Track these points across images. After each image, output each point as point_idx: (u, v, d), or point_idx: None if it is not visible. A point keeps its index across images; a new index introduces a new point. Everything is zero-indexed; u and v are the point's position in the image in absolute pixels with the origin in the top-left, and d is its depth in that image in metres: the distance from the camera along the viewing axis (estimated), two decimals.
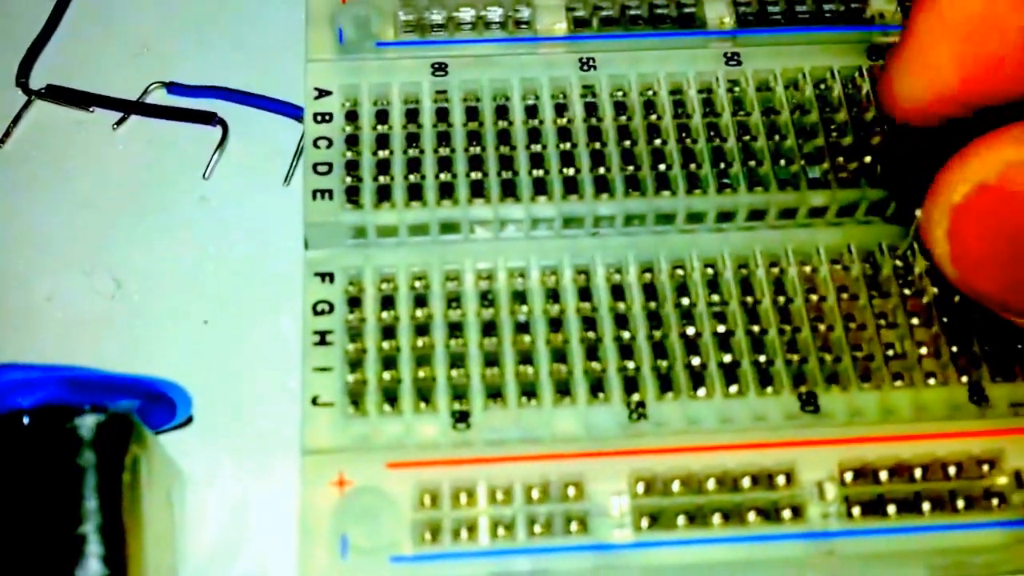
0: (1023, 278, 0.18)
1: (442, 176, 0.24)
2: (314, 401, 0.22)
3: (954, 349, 0.23)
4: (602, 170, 0.24)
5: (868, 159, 0.25)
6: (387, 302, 0.23)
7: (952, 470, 0.22)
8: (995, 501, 0.22)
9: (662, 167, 0.24)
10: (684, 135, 0.25)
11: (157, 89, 0.29)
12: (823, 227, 0.25)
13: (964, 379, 0.23)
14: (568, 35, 0.27)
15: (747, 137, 0.25)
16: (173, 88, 0.29)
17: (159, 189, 0.28)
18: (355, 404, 0.22)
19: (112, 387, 0.22)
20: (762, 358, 0.23)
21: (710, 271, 0.24)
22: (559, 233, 0.24)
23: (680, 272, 0.24)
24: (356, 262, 0.24)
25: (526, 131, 0.25)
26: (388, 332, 0.23)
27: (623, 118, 0.25)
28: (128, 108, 0.29)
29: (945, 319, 0.23)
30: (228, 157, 0.28)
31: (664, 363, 0.23)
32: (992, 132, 0.18)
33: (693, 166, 0.25)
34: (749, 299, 0.24)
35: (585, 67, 0.26)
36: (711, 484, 0.22)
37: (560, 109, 0.25)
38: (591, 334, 0.23)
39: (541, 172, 0.24)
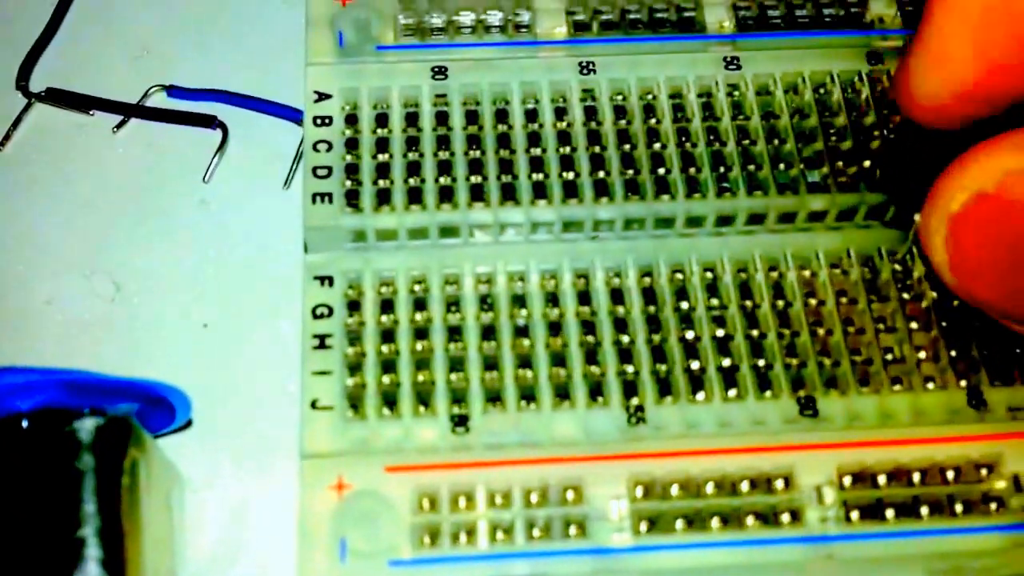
0: (1022, 286, 0.18)
1: (442, 180, 0.24)
2: (313, 405, 0.22)
3: (953, 353, 0.23)
4: (602, 174, 0.24)
5: (867, 163, 0.25)
6: (387, 306, 0.23)
7: (951, 474, 0.22)
8: (993, 505, 0.22)
9: (661, 171, 0.24)
10: (684, 139, 0.25)
11: (157, 92, 0.29)
12: (822, 231, 0.25)
13: (963, 383, 0.23)
14: (568, 39, 0.27)
15: (746, 141, 0.25)
16: (173, 91, 0.29)
17: (159, 192, 0.28)
18: (354, 408, 0.22)
19: (111, 390, 0.22)
20: (761, 362, 0.23)
21: (709, 275, 0.24)
22: (558, 237, 0.24)
23: (679, 276, 0.24)
24: (356, 266, 0.24)
25: (526, 135, 0.25)
26: (387, 336, 0.23)
27: (623, 122, 0.25)
28: (128, 111, 0.29)
29: (944, 323, 0.23)
30: (228, 160, 0.28)
31: (663, 367, 0.23)
32: (990, 139, 0.18)
33: (692, 170, 0.25)
34: (748, 303, 0.24)
35: (585, 71, 0.26)
36: (710, 488, 0.22)
37: (560, 113, 0.25)
38: (590, 338, 0.23)
39: (541, 176, 0.24)
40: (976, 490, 0.22)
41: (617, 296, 0.24)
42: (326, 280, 0.24)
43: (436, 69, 0.26)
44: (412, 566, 0.21)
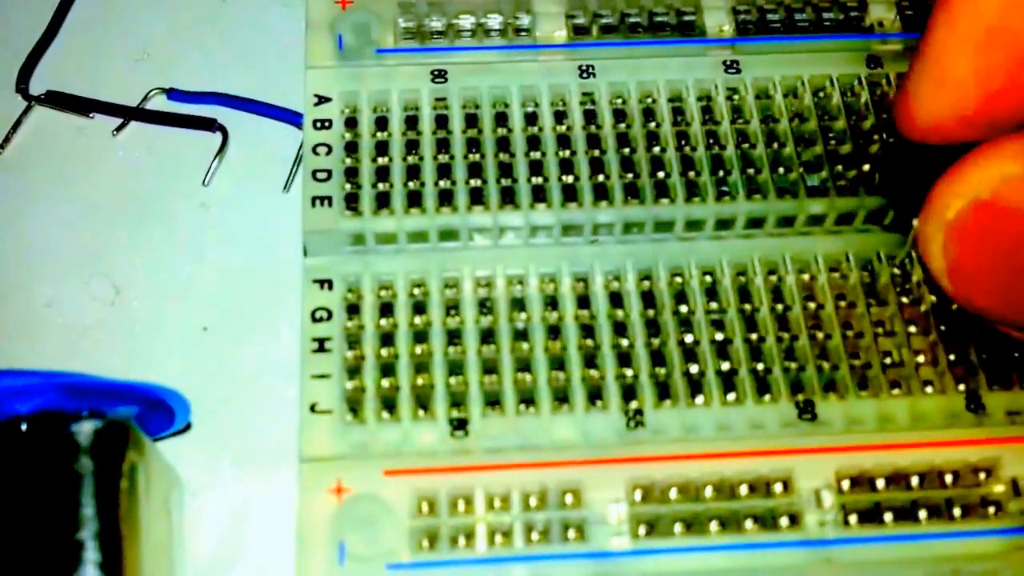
0: (1019, 292, 0.18)
1: (441, 183, 0.24)
2: (312, 408, 0.22)
3: (951, 357, 0.23)
4: (601, 177, 0.24)
5: (867, 167, 0.25)
6: (386, 309, 0.23)
7: (949, 478, 0.22)
8: (992, 509, 0.22)
9: (661, 175, 0.24)
10: (683, 143, 0.25)
11: (157, 95, 0.29)
12: (821, 235, 0.25)
13: (961, 387, 0.23)
14: (568, 43, 0.27)
15: (746, 145, 0.25)
16: (173, 94, 0.29)
17: (159, 195, 0.28)
18: (353, 411, 0.22)
19: (110, 394, 0.22)
20: (760, 366, 0.23)
21: (708, 279, 0.24)
22: (558, 240, 0.24)
23: (678, 280, 0.24)
24: (355, 269, 0.24)
25: (525, 138, 0.25)
26: (387, 339, 0.23)
27: (622, 125, 0.25)
28: (128, 114, 0.29)
29: (943, 327, 0.23)
30: (228, 163, 0.28)
31: (662, 371, 0.23)
32: (984, 146, 0.18)
33: (692, 174, 0.25)
34: (747, 307, 0.24)
35: (584, 74, 0.26)
36: (708, 492, 0.22)
37: (559, 116, 0.25)
38: (589, 342, 0.23)
39: (540, 179, 0.24)
40: (974, 494, 0.22)
41: (616, 300, 0.24)
42: (325, 283, 0.24)
43: (436, 72, 0.26)
44: (411, 569, 0.21)
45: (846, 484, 0.22)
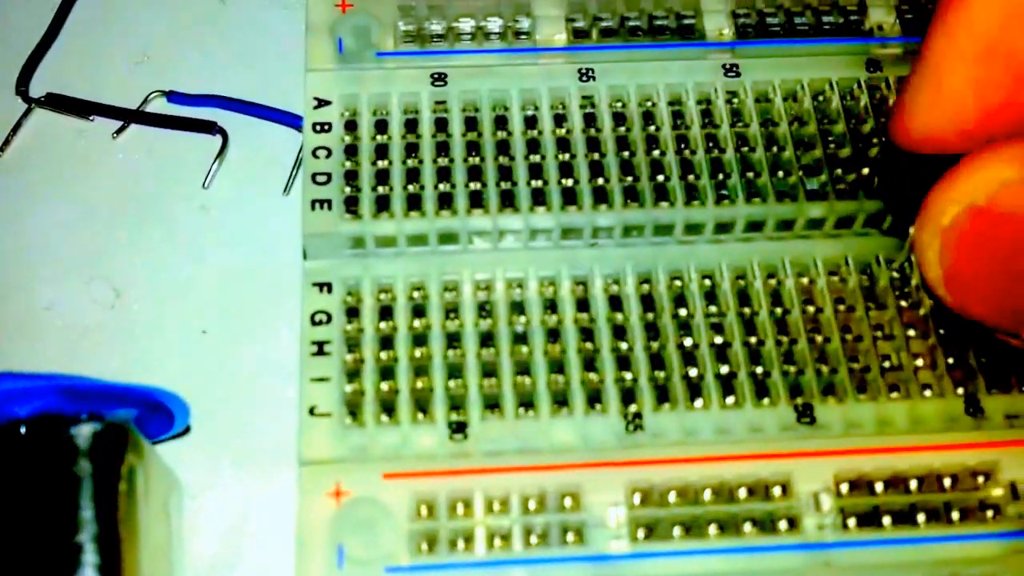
0: (1016, 299, 0.18)
1: (441, 186, 0.24)
2: (312, 411, 0.22)
3: (950, 361, 0.23)
4: (601, 181, 0.24)
5: (866, 171, 0.25)
6: (385, 312, 0.23)
7: (948, 482, 0.22)
8: (990, 513, 0.22)
9: (660, 178, 0.25)
10: (683, 146, 0.25)
11: (157, 98, 0.29)
12: (821, 239, 0.25)
13: (960, 391, 0.23)
14: (567, 46, 0.27)
15: (745, 148, 0.25)
16: (173, 97, 0.29)
17: (159, 198, 0.28)
18: (352, 414, 0.22)
19: (109, 396, 0.22)
20: (759, 369, 0.23)
21: (708, 282, 0.24)
22: (557, 244, 0.24)
23: (678, 283, 0.24)
24: (354, 272, 0.24)
25: (525, 141, 0.25)
26: (386, 342, 0.23)
27: (622, 129, 0.25)
28: (128, 117, 0.29)
29: (942, 331, 0.23)
30: (228, 166, 0.28)
31: (661, 374, 0.23)
32: (981, 150, 0.18)
33: (691, 177, 0.25)
34: (747, 310, 0.24)
35: (584, 78, 0.26)
36: (707, 495, 0.22)
37: (559, 120, 0.25)
38: (589, 345, 0.23)
39: (540, 183, 0.24)
40: (973, 497, 0.22)
41: (616, 303, 0.24)
42: (325, 287, 0.24)
43: (436, 76, 0.26)
44: (410, 572, 0.21)
45: (845, 488, 0.22)
